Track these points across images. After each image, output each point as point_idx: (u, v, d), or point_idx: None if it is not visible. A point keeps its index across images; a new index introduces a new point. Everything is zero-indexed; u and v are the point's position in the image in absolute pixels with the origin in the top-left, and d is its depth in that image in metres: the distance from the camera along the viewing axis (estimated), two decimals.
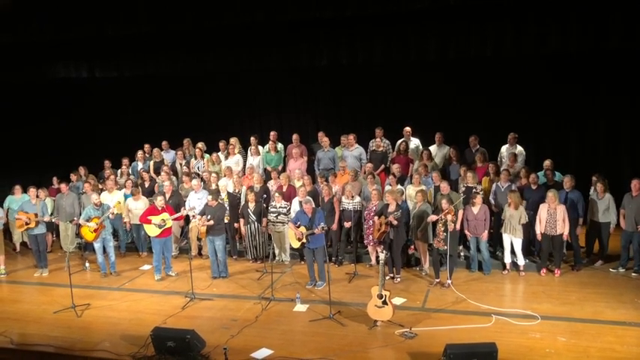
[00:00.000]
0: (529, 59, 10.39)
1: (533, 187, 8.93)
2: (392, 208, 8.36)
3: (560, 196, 8.63)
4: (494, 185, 9.17)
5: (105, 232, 9.35)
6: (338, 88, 12.50)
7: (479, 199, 8.50)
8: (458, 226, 8.46)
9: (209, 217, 8.82)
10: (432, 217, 8.31)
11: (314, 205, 8.58)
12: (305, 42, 10.38)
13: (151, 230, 9.01)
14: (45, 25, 10.58)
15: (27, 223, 9.49)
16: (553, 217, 8.37)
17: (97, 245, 9.40)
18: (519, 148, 10.04)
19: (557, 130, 11.21)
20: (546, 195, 8.42)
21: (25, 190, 10.17)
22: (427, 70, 11.22)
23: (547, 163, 9.35)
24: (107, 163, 11.73)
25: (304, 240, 8.30)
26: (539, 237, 8.59)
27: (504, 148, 10.22)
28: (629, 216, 8.42)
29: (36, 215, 9.48)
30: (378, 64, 10.47)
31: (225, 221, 9.52)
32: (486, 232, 8.54)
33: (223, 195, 9.75)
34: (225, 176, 10.46)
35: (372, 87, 12.13)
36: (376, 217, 8.56)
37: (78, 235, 10.74)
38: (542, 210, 8.47)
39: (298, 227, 8.33)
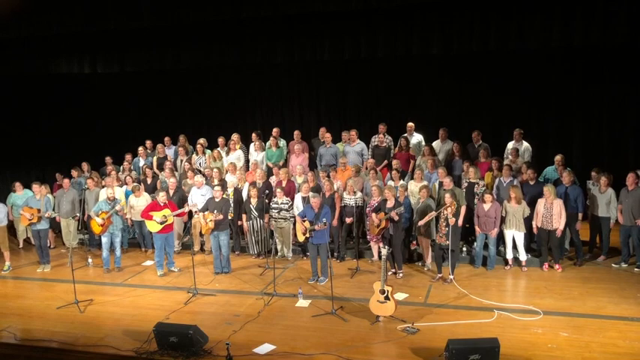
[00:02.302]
0: (534, 54, 10.37)
1: (531, 182, 8.93)
2: (390, 203, 8.36)
3: (559, 191, 8.63)
4: (496, 180, 9.17)
5: (113, 228, 9.39)
6: (341, 82, 12.49)
7: (488, 197, 8.49)
8: (460, 222, 8.46)
9: (215, 212, 8.82)
10: (431, 214, 8.29)
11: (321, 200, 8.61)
12: (308, 36, 10.33)
13: (152, 226, 9.03)
14: (48, 20, 10.58)
15: (30, 219, 9.54)
16: (549, 212, 8.37)
17: (104, 240, 9.42)
18: (525, 144, 10.03)
19: (560, 127, 11.19)
20: (543, 189, 8.44)
21: (26, 187, 10.20)
22: (431, 65, 11.21)
23: (558, 158, 9.35)
24: (108, 159, 11.74)
25: (307, 235, 8.32)
26: (535, 230, 8.61)
27: (510, 145, 10.20)
28: (626, 210, 8.42)
29: (38, 211, 9.51)
30: (381, 58, 10.40)
31: (229, 217, 9.53)
32: (496, 229, 8.53)
33: (230, 191, 9.76)
34: (228, 172, 10.46)
35: (375, 81, 12.10)
36: (373, 214, 8.56)
37: (80, 230, 10.78)
38: (540, 204, 8.49)
39: (305, 222, 8.36)
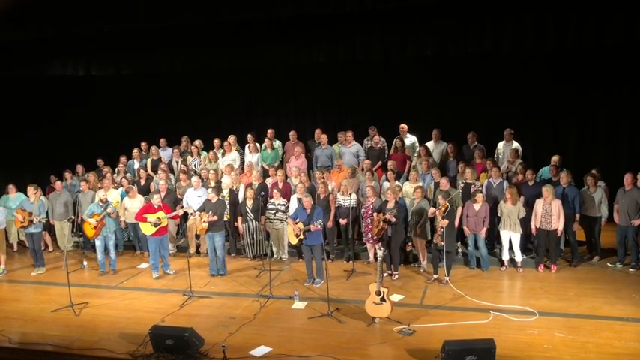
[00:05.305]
0: (527, 56, 10.41)
1: (530, 183, 8.96)
2: (391, 205, 8.37)
3: (556, 191, 8.65)
4: (486, 181, 9.20)
5: (106, 230, 9.35)
6: (336, 84, 12.50)
7: (480, 197, 8.52)
8: (457, 223, 8.48)
9: (209, 212, 8.81)
10: (432, 210, 8.32)
11: (313, 202, 8.60)
12: (304, 39, 10.36)
13: (147, 229, 9.00)
14: (42, 23, 10.54)
15: (22, 222, 9.50)
16: (548, 212, 8.40)
17: (98, 242, 9.40)
18: (515, 144, 10.05)
19: (555, 128, 11.20)
20: (541, 190, 8.45)
21: (19, 189, 10.18)
22: (425, 67, 11.24)
23: (555, 158, 9.37)
24: (100, 162, 11.69)
25: (301, 236, 8.31)
26: (533, 231, 8.63)
27: (501, 145, 10.24)
28: (622, 210, 8.45)
29: (30, 214, 9.48)
30: (376, 60, 10.43)
31: (225, 219, 9.51)
32: (485, 229, 8.56)
33: (225, 192, 9.75)
34: (225, 174, 10.43)
35: (370, 83, 12.12)
36: (375, 214, 8.56)
37: (75, 232, 10.72)
38: (538, 205, 8.51)
39: (297, 223, 8.35)
